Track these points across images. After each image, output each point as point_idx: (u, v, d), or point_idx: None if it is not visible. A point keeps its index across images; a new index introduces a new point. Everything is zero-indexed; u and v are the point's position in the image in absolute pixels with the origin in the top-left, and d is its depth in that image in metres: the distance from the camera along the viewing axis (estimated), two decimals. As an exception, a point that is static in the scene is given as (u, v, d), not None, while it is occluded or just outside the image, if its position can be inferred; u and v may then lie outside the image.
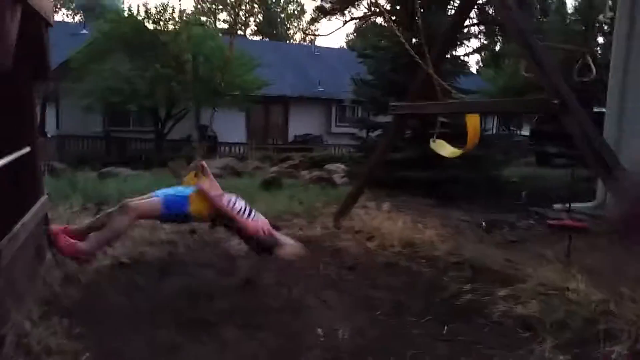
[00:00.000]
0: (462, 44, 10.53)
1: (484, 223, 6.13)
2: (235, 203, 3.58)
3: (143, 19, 16.67)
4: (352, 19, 17.64)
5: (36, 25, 3.04)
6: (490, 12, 13.06)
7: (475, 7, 10.88)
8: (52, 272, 3.32)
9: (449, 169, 7.91)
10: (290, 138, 22.74)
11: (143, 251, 4.18)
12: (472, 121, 4.58)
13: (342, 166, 11.22)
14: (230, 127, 19.02)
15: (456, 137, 5.89)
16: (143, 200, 3.54)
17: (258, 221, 3.58)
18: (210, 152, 16.71)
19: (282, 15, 45.75)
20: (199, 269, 3.85)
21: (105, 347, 2.55)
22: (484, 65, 35.12)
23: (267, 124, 22.93)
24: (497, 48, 29.89)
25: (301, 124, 22.85)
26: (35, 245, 3.12)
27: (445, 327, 2.93)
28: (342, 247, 4.58)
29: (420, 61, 4.75)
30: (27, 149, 3.19)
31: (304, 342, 2.73)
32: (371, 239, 4.77)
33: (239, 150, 19.48)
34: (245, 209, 3.59)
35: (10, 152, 2.86)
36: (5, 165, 2.68)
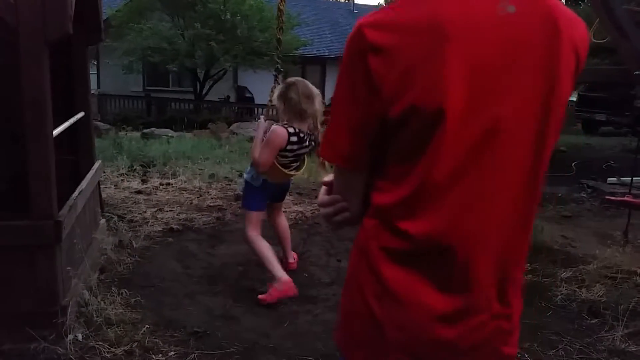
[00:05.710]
0: None
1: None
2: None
3: (183, -24, 16.40)
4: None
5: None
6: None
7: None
8: (106, 238, 3.34)
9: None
10: (327, 101, 22.32)
11: (192, 217, 4.18)
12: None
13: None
14: (267, 88, 18.73)
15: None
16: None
17: None
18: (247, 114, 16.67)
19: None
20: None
21: (164, 317, 2.55)
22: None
23: (303, 86, 22.57)
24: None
25: (338, 86, 22.44)
26: (91, 211, 3.13)
27: (506, 309, 2.81)
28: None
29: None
30: (81, 114, 3.17)
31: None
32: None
33: (273, 112, 19.28)
34: None
35: (66, 118, 2.85)
36: (63, 131, 2.66)
